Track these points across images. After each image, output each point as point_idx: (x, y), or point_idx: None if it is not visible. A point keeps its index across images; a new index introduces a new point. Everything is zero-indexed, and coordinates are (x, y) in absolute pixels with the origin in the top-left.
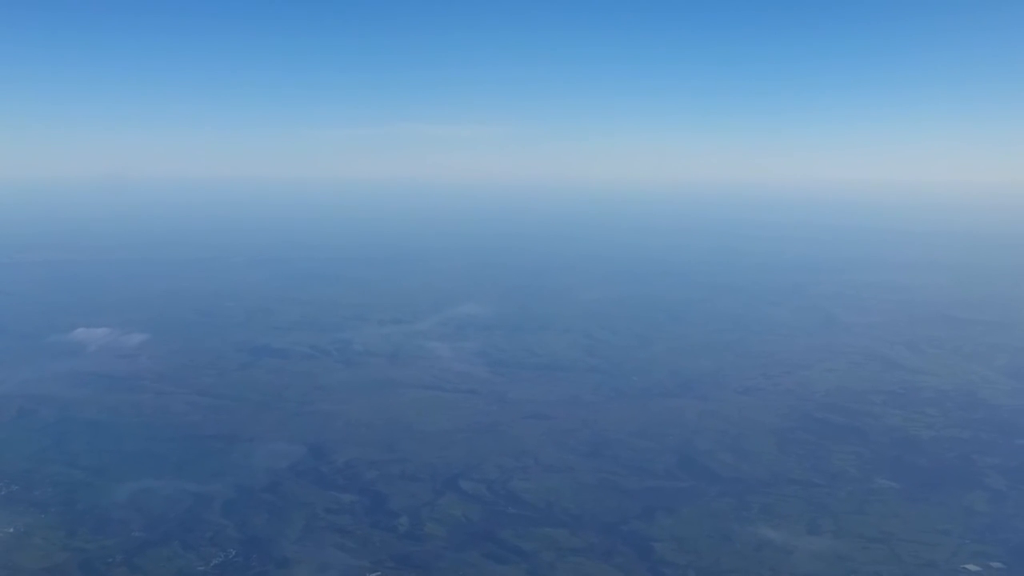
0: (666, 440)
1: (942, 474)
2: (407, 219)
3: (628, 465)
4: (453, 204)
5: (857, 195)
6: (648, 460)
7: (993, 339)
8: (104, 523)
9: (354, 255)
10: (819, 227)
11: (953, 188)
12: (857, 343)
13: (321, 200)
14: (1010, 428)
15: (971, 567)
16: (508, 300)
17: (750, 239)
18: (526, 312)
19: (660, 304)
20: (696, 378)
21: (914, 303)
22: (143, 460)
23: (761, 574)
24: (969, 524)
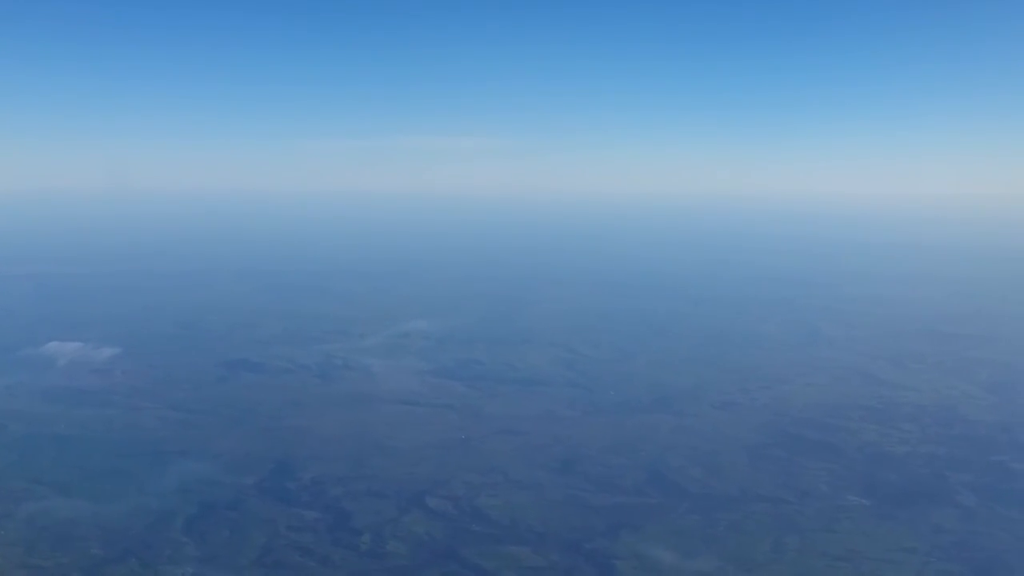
0: (638, 456)
1: (914, 491)
2: (403, 231)
3: (597, 481)
4: (451, 216)
5: (855, 208)
6: (618, 476)
7: (977, 353)
8: (64, 540)
9: (344, 268)
10: (813, 240)
11: (953, 201)
12: (840, 357)
13: (318, 212)
14: (986, 444)
15: None
16: (493, 313)
17: (742, 252)
18: (510, 325)
19: (646, 317)
20: (674, 393)
21: (902, 317)
22: (108, 476)
23: None
24: (936, 542)
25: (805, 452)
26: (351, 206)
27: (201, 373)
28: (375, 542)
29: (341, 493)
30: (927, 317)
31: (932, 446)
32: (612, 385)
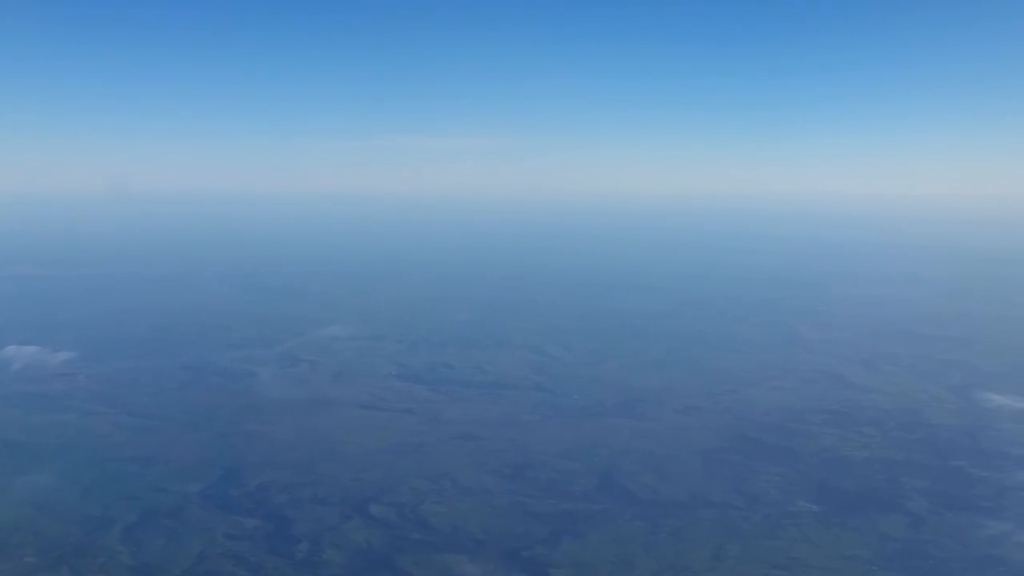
0: (591, 461)
1: (865, 497)
2: (393, 232)
3: (546, 487)
4: (441, 217)
5: (856, 209)
6: (568, 482)
7: (952, 356)
8: None
9: (327, 269)
10: (805, 240)
11: (955, 201)
12: (812, 360)
13: (308, 213)
14: (947, 449)
15: None
16: (471, 315)
17: (731, 252)
18: (484, 328)
19: (622, 319)
20: (639, 397)
21: (881, 319)
22: (52, 483)
23: None
24: (880, 550)
25: (761, 457)
26: (345, 207)
27: (165, 377)
28: (312, 551)
29: (285, 500)
30: (907, 319)
31: (891, 451)
32: (578, 388)
